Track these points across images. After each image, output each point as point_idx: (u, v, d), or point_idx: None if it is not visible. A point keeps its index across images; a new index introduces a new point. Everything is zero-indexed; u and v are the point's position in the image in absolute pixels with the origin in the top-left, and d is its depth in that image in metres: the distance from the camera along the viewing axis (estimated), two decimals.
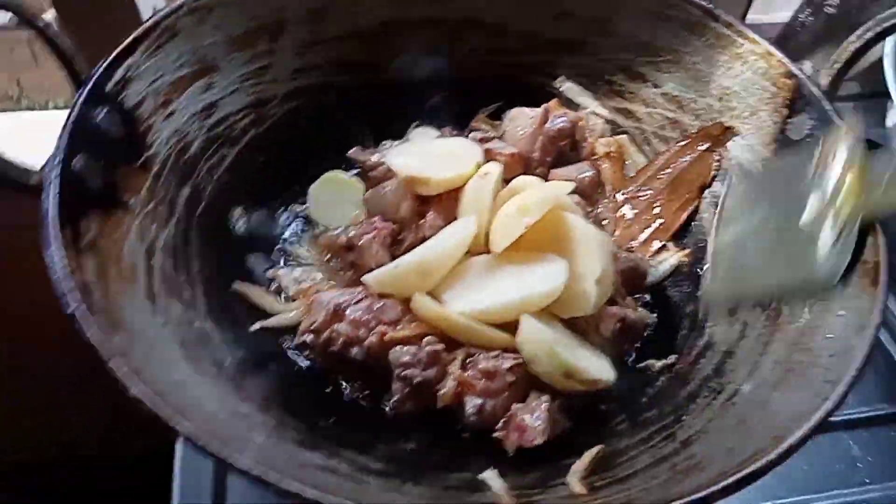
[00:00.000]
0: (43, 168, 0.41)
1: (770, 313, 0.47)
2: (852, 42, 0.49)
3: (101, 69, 0.46)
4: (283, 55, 0.59)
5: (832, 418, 0.55)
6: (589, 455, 0.42)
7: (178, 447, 0.55)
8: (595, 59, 0.63)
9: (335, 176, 0.60)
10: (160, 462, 0.57)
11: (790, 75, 0.52)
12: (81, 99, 0.44)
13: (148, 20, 0.50)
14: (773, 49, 0.53)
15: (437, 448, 0.47)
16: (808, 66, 0.50)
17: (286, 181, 0.59)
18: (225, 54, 0.55)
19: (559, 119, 0.60)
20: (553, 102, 0.61)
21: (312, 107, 0.61)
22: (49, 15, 0.64)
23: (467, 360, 0.47)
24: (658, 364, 0.50)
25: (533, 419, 0.44)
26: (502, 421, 0.46)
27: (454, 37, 0.64)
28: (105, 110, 0.46)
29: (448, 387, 0.46)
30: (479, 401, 0.45)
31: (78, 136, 0.43)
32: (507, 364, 0.46)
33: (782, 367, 0.43)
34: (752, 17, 0.77)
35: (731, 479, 0.33)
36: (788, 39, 0.58)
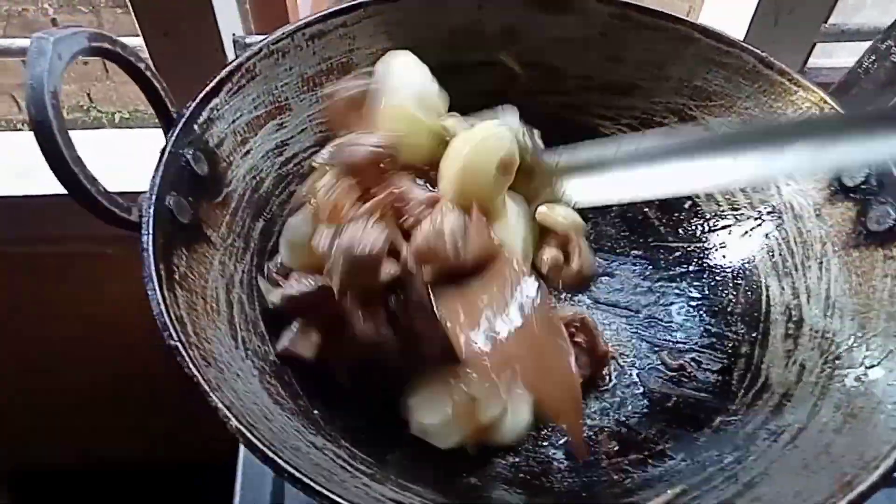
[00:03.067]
0: (140, 204, 0.43)
1: (828, 356, 0.48)
2: None
3: (190, 110, 0.49)
4: None
5: None
6: (670, 494, 0.43)
7: (240, 462, 0.57)
8: (647, 101, 0.65)
9: None
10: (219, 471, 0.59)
11: None
12: (173, 139, 0.47)
13: (230, 62, 0.53)
14: (827, 97, 0.55)
15: (499, 482, 0.48)
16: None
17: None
18: (296, 94, 0.58)
19: None
20: None
21: None
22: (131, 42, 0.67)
23: None
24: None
25: None
26: None
27: (510, 79, 0.66)
28: (192, 149, 0.48)
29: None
30: None
31: (170, 174, 0.46)
32: None
33: (843, 412, 0.44)
34: (813, 61, 0.79)
35: None
36: (850, 86, 0.59)
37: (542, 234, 0.57)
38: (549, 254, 0.55)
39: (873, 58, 0.60)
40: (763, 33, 0.79)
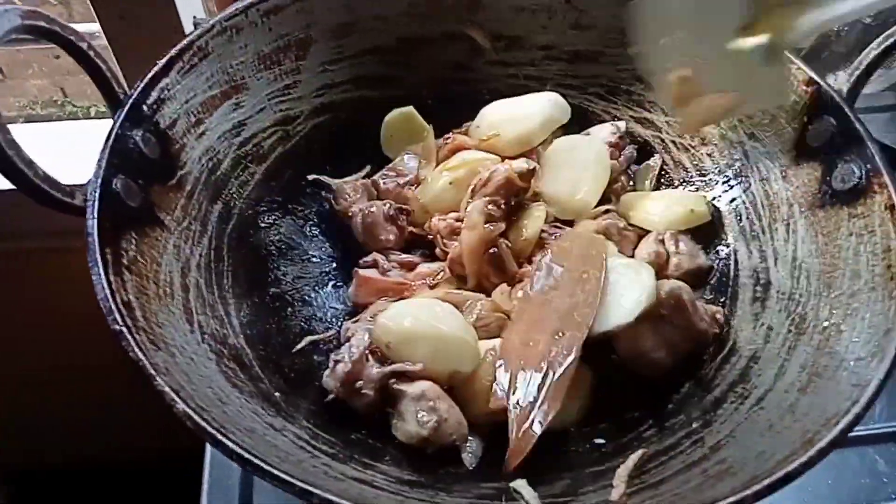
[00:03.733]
0: (85, 188, 0.42)
1: (795, 318, 0.48)
2: (873, 49, 0.49)
3: (137, 91, 0.47)
4: (308, 73, 0.60)
5: (858, 433, 0.56)
6: (634, 458, 0.43)
7: (208, 458, 0.56)
8: (613, 69, 0.64)
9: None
10: (188, 469, 0.58)
11: (810, 82, 0.52)
12: (119, 120, 0.46)
13: (182, 41, 0.51)
14: (792, 56, 0.54)
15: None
16: (842, 76, 0.50)
17: (313, 196, 0.60)
18: (253, 73, 0.57)
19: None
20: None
21: (336, 122, 0.62)
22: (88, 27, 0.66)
23: None
24: None
25: None
26: None
27: (474, 51, 0.65)
28: (142, 131, 0.47)
29: None
30: None
31: (117, 158, 0.44)
32: None
33: (808, 371, 0.43)
34: None
35: (763, 483, 0.33)
36: (822, 49, 0.58)
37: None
38: (649, 248, 0.55)
39: None
40: None
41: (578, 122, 0.63)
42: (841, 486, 0.56)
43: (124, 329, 0.37)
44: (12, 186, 0.66)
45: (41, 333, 0.79)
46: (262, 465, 0.33)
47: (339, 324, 0.53)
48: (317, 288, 0.56)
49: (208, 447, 0.58)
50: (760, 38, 0.44)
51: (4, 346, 0.80)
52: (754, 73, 0.46)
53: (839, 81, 0.52)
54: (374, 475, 0.41)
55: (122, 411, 0.85)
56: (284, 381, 0.48)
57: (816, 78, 0.52)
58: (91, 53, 0.46)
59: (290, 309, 0.54)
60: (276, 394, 0.46)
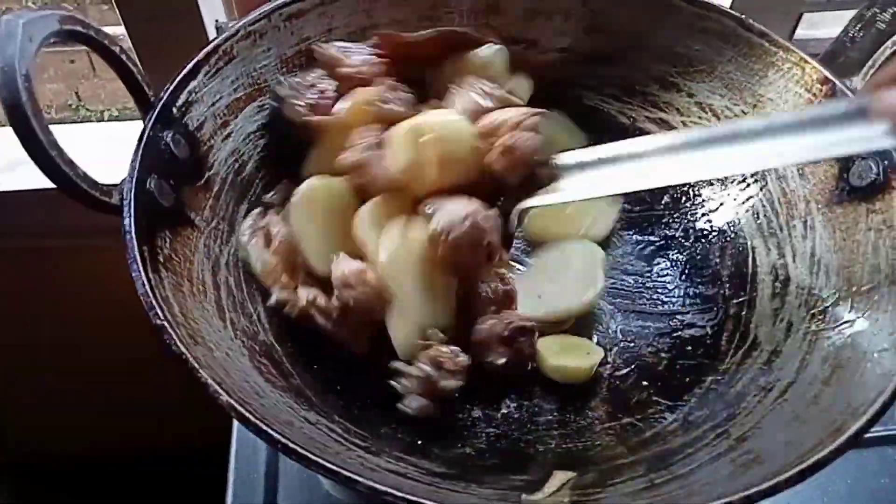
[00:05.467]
0: (120, 187, 0.43)
1: (815, 312, 0.49)
2: (887, 48, 0.50)
3: (167, 93, 0.48)
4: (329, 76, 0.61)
5: (878, 433, 0.57)
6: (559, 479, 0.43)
7: (233, 446, 0.57)
8: (629, 70, 0.65)
9: None
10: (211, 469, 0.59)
11: (825, 81, 0.53)
12: (151, 122, 0.47)
13: (208, 45, 0.52)
14: (807, 57, 0.55)
15: (493, 454, 0.48)
16: (857, 81, 0.51)
17: None
18: (276, 76, 0.58)
19: None
20: None
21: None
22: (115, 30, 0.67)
23: None
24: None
25: None
26: None
27: None
28: (172, 132, 0.48)
29: None
30: None
31: (149, 158, 0.45)
32: None
33: (831, 363, 0.44)
34: (800, 33, 0.78)
35: (795, 469, 0.34)
36: (837, 55, 0.59)
37: None
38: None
39: (859, 26, 0.60)
40: (749, 3, 0.78)
41: (592, 124, 0.64)
42: (860, 486, 0.57)
43: (166, 323, 0.37)
44: (38, 186, 0.68)
45: (66, 330, 0.80)
46: (309, 455, 0.33)
47: None
48: None
49: (233, 447, 0.59)
50: None
51: (30, 342, 0.81)
52: None
53: (854, 82, 0.53)
54: (406, 467, 0.42)
55: (148, 408, 0.86)
56: (313, 378, 0.48)
57: (831, 77, 0.53)
58: (123, 57, 0.47)
59: None
60: (307, 390, 0.46)
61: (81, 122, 0.94)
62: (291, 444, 0.34)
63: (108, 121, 0.97)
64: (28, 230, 0.69)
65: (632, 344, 0.55)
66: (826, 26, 0.82)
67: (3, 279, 0.75)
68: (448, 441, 0.48)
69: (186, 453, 0.88)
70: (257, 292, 0.51)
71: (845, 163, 0.52)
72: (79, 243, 0.69)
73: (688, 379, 0.51)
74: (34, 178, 0.61)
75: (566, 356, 0.52)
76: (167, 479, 0.96)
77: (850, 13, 0.61)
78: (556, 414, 0.51)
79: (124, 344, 0.71)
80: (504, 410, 0.51)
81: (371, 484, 0.33)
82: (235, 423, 0.60)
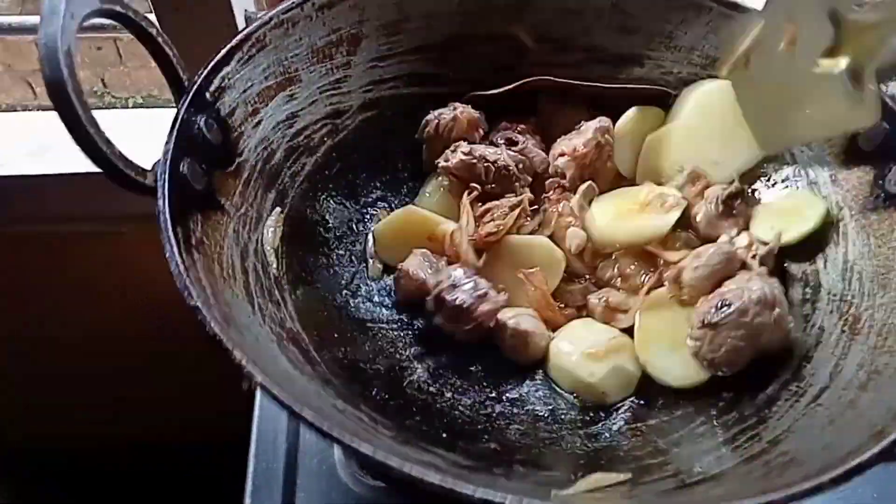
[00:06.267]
0: (154, 169, 0.43)
1: (848, 318, 0.48)
2: None
3: (201, 77, 0.48)
4: (358, 68, 0.61)
5: None
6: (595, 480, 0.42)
7: (254, 435, 0.56)
8: (658, 72, 0.65)
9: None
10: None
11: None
12: (185, 105, 0.46)
13: (241, 31, 0.52)
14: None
15: (519, 450, 0.48)
16: (893, 83, 0.51)
17: (361, 188, 0.61)
18: (306, 66, 0.57)
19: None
20: None
21: (383, 118, 0.63)
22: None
23: None
24: None
25: None
26: None
27: (518, 51, 0.66)
28: (204, 117, 0.48)
29: None
30: None
31: (183, 141, 0.45)
32: None
33: (867, 369, 0.44)
34: None
35: (841, 470, 0.33)
36: None
37: None
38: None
39: None
40: None
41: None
42: (887, 498, 0.56)
43: (199, 304, 0.37)
44: (64, 171, 0.68)
45: (84, 315, 0.80)
46: (342, 437, 0.33)
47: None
48: (366, 280, 0.57)
49: (253, 439, 0.58)
50: (844, 61, 0.45)
51: (48, 327, 0.81)
52: (840, 96, 0.46)
53: (891, 88, 0.53)
54: (433, 458, 0.41)
55: (160, 404, 0.85)
56: (339, 367, 0.48)
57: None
58: (160, 40, 0.47)
59: (339, 297, 0.55)
60: (334, 378, 0.46)
61: (107, 108, 0.95)
62: (327, 427, 0.33)
63: (134, 108, 0.98)
64: (56, 215, 0.68)
65: None
66: None
67: (30, 262, 0.75)
68: (474, 436, 0.47)
69: (205, 445, 0.88)
70: (284, 279, 0.51)
71: (881, 169, 0.51)
72: (107, 228, 0.69)
73: (716, 382, 0.51)
74: (61, 163, 0.61)
75: None
76: (185, 469, 0.95)
77: None
78: (581, 413, 0.51)
79: (149, 330, 0.71)
80: (528, 408, 0.51)
81: (406, 468, 0.32)
82: (255, 416, 0.60)
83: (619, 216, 0.56)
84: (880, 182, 0.51)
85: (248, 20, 0.72)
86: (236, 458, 0.57)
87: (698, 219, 0.56)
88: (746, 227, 0.55)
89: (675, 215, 0.54)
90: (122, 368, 0.85)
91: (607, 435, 0.49)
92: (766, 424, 0.44)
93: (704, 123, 0.59)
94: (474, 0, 0.63)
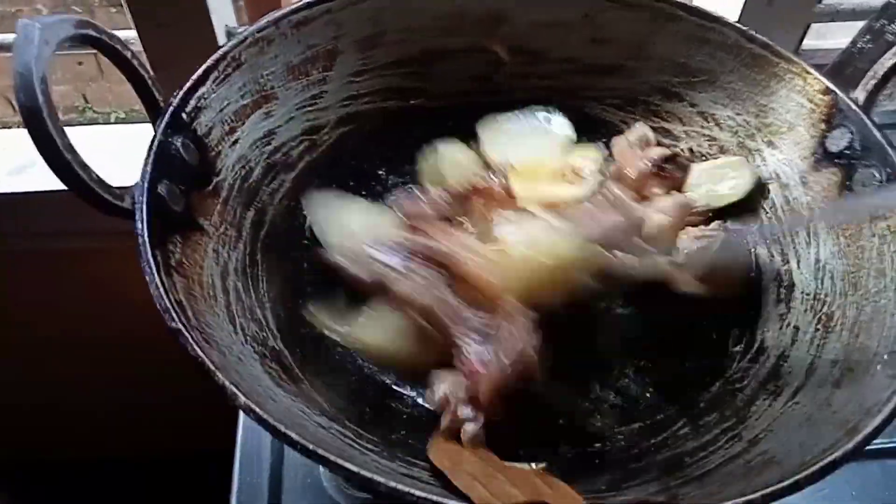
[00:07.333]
0: (132, 191, 0.43)
1: (822, 317, 0.49)
2: (888, 58, 0.51)
3: (177, 98, 0.48)
4: (335, 83, 0.61)
5: (882, 445, 0.57)
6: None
7: (238, 449, 0.56)
8: (631, 81, 0.66)
9: None
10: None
11: (827, 91, 0.54)
12: (161, 127, 0.47)
13: (217, 52, 0.52)
14: (809, 67, 0.56)
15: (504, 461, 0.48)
16: (858, 92, 0.52)
17: None
18: (282, 83, 0.58)
19: None
20: None
21: (362, 132, 0.63)
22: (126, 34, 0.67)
23: None
24: None
25: None
26: None
27: (495, 64, 0.66)
28: (181, 138, 0.48)
29: None
30: None
31: (160, 163, 0.45)
32: None
33: (841, 366, 0.45)
34: (808, 43, 0.80)
35: (815, 468, 0.34)
36: (845, 66, 0.60)
37: None
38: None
39: (868, 37, 0.61)
40: (756, 14, 0.80)
41: (596, 131, 0.65)
42: (864, 497, 0.57)
43: (181, 327, 0.37)
44: (48, 188, 0.68)
45: (73, 332, 0.79)
46: (328, 456, 0.33)
47: None
48: None
49: (237, 453, 0.58)
50: None
51: (42, 343, 0.80)
52: None
53: (856, 92, 0.54)
54: (420, 472, 0.42)
55: (152, 412, 0.85)
56: (323, 384, 0.48)
57: (833, 87, 0.54)
58: (135, 63, 0.47)
59: None
60: (318, 395, 0.46)
61: (88, 123, 0.94)
62: (312, 447, 0.33)
63: (115, 123, 0.97)
64: (38, 232, 0.68)
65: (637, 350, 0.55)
66: (834, 37, 0.83)
67: (11, 281, 0.75)
68: None
69: (189, 458, 0.88)
70: (265, 298, 0.51)
71: (848, 171, 0.53)
72: (89, 245, 0.69)
73: (697, 384, 0.52)
74: (44, 181, 0.61)
75: None
76: (169, 483, 0.95)
77: (858, 24, 0.63)
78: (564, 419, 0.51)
79: (132, 347, 0.70)
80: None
81: (391, 484, 0.32)
82: (240, 428, 0.59)
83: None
84: (847, 183, 0.52)
85: (229, 36, 0.73)
86: (221, 472, 0.57)
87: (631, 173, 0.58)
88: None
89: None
90: (106, 383, 0.85)
91: (592, 442, 0.49)
92: (745, 424, 0.45)
93: None
94: (449, 15, 0.64)
